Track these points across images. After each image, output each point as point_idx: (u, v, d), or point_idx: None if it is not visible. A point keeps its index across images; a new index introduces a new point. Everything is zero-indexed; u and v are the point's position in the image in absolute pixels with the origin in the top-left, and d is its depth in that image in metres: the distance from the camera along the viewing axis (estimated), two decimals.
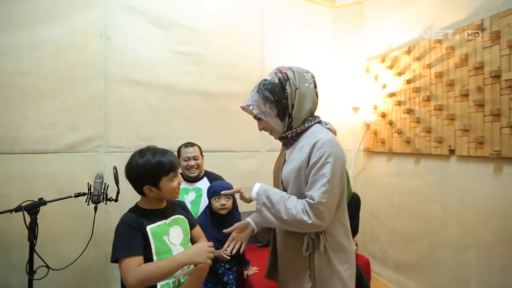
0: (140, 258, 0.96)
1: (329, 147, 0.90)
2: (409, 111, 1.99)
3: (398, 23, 2.09)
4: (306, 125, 0.99)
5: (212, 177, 1.90)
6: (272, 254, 1.15)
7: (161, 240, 1.04)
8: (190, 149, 1.80)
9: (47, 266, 1.35)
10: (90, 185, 1.53)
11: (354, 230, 1.84)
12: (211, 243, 1.04)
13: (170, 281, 1.02)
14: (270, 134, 1.06)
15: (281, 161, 1.11)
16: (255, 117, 1.03)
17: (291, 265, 1.03)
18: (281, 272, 1.09)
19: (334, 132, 1.02)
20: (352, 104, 2.30)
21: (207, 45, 2.12)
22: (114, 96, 1.87)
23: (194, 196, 1.81)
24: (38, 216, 1.35)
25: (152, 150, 1.08)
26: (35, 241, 1.34)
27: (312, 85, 1.00)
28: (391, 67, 2.14)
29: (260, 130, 1.06)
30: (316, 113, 1.05)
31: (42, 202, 1.37)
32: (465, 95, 1.63)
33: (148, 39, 1.95)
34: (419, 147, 1.92)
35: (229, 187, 1.50)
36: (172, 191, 1.08)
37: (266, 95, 0.98)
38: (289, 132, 1.00)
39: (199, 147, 1.87)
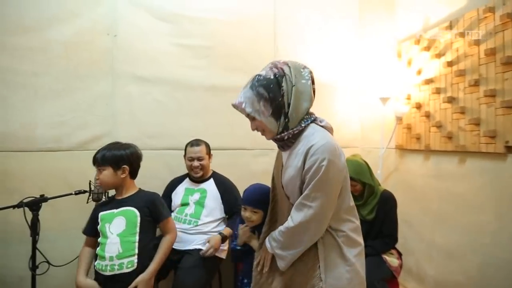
0: (87, 239, 1.35)
1: (321, 153, 0.86)
2: (451, 100, 1.63)
3: None
4: (302, 125, 0.93)
5: (219, 178, 1.80)
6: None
7: (104, 226, 1.26)
8: (196, 148, 1.71)
9: (48, 262, 1.37)
10: (91, 183, 1.52)
11: (393, 238, 1.57)
12: None
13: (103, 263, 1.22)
14: (262, 134, 0.99)
15: (279, 165, 1.05)
16: (248, 115, 0.95)
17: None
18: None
19: (330, 129, 0.97)
20: (380, 95, 1.98)
21: (214, 37, 2.00)
22: (121, 94, 1.85)
23: (199, 197, 1.72)
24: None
25: None
26: (37, 237, 1.36)
27: (309, 82, 0.94)
28: (427, 48, 1.78)
29: (253, 130, 0.99)
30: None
31: (43, 198, 1.39)
32: None
33: (153, 34, 1.89)
34: (465, 143, 1.56)
35: (264, 191, 1.20)
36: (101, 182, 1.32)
37: (261, 91, 0.90)
38: (286, 133, 0.93)
39: (207, 146, 1.77)
